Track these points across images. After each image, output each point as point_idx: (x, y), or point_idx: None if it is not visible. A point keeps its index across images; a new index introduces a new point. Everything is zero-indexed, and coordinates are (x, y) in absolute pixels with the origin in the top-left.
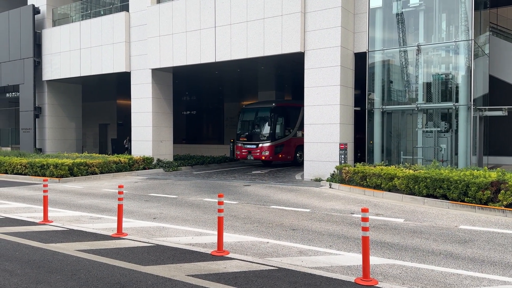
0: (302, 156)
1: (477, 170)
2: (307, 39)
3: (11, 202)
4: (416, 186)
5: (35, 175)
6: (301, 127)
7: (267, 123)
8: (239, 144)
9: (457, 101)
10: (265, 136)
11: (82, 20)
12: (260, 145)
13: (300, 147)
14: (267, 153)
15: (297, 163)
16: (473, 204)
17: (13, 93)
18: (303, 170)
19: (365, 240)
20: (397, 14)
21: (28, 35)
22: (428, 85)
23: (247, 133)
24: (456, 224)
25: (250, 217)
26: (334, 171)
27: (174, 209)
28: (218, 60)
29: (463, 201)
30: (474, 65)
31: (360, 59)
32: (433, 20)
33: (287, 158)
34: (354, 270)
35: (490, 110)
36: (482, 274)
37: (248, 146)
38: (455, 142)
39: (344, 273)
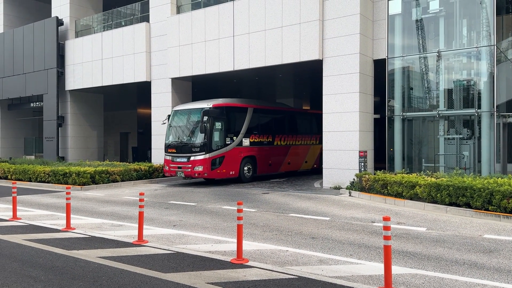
0: (251, 170)
1: (501, 178)
2: (325, 46)
3: (35, 209)
4: (439, 194)
5: (58, 183)
6: (249, 133)
7: (200, 129)
8: (168, 157)
9: (479, 107)
10: (198, 147)
11: (104, 31)
12: (192, 158)
13: (249, 159)
14: (200, 168)
15: (243, 179)
16: (498, 213)
17: (37, 103)
18: (321, 178)
19: (387, 249)
20: (417, 21)
21: (52, 46)
22: (449, 92)
23: (176, 143)
24: (480, 233)
25: (269, 225)
26: (354, 179)
27: (193, 216)
28: (236, 68)
29: (487, 209)
30: (496, 70)
31: (380, 65)
32: (453, 26)
33: (229, 174)
34: (375, 280)
35: None
36: (508, 284)
37: (178, 159)
38: (478, 149)
39: (365, 283)
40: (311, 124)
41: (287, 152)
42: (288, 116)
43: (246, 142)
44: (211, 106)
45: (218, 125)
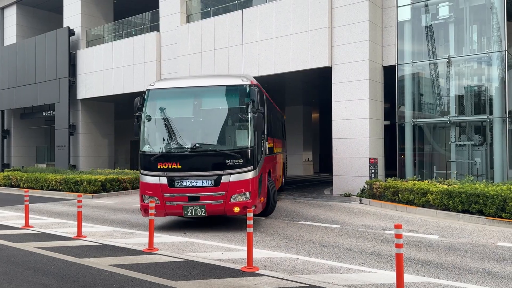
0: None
1: None
2: (335, 53)
3: (47, 217)
4: (451, 202)
5: (69, 191)
6: (275, 134)
7: (237, 123)
8: (157, 180)
9: (491, 113)
10: (238, 155)
11: (115, 40)
12: (225, 177)
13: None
14: (245, 197)
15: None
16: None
17: (49, 112)
18: (331, 185)
19: (399, 257)
20: (426, 27)
21: (63, 55)
22: (460, 98)
23: (183, 150)
24: (493, 241)
25: (279, 232)
26: (365, 186)
27: (203, 224)
28: None
29: (500, 216)
30: (508, 76)
31: (389, 72)
32: (463, 31)
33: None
34: None
35: None
36: None
37: (190, 182)
38: (490, 155)
39: None
40: (282, 126)
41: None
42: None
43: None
44: (249, 82)
45: (260, 116)
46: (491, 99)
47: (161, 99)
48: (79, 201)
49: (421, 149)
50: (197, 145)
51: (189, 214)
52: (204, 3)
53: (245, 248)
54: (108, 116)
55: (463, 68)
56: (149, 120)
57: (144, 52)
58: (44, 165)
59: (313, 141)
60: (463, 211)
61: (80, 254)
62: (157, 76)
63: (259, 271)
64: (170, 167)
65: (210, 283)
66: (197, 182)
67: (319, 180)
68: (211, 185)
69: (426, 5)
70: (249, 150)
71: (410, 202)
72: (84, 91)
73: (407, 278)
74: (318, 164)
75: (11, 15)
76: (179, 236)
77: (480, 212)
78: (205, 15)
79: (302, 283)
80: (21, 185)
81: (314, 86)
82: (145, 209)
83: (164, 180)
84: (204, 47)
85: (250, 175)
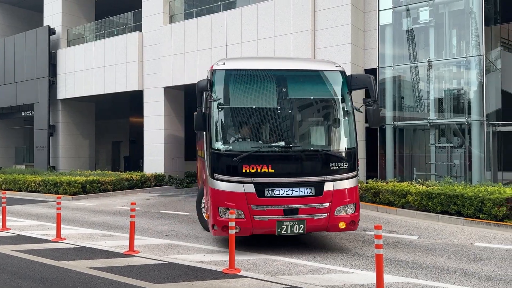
0: None
1: (492, 186)
2: (318, 56)
3: (25, 219)
4: (430, 203)
5: (48, 193)
6: None
7: (338, 118)
8: (237, 186)
9: (469, 116)
10: (342, 158)
11: (96, 40)
12: (329, 185)
13: None
14: (351, 209)
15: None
16: (489, 221)
17: (28, 112)
18: None
19: (379, 258)
20: (407, 31)
21: (43, 55)
22: (440, 101)
23: (287, 149)
24: (471, 241)
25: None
26: None
27: (185, 226)
28: None
29: (478, 217)
30: (486, 80)
31: (371, 75)
32: (443, 36)
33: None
34: None
35: (503, 125)
36: None
37: (285, 191)
38: (469, 157)
39: None
40: None
41: None
42: None
43: None
44: (340, 68)
45: (377, 109)
46: (469, 102)
47: (238, 83)
48: (58, 203)
49: (402, 151)
50: (295, 143)
51: (283, 232)
52: (188, 3)
53: (228, 250)
54: (89, 116)
55: (442, 72)
56: (223, 109)
57: (126, 52)
58: (23, 166)
59: None
60: (442, 212)
61: (59, 257)
62: (139, 76)
63: (241, 273)
64: (259, 170)
65: (192, 285)
66: (293, 190)
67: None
68: (311, 194)
69: (407, 9)
70: (354, 152)
71: (390, 203)
72: (65, 91)
73: (387, 278)
74: None
75: None
76: (160, 238)
77: (459, 213)
78: (188, 16)
79: (284, 284)
80: None
81: None
82: (223, 226)
83: (250, 188)
84: (187, 48)
85: (354, 181)
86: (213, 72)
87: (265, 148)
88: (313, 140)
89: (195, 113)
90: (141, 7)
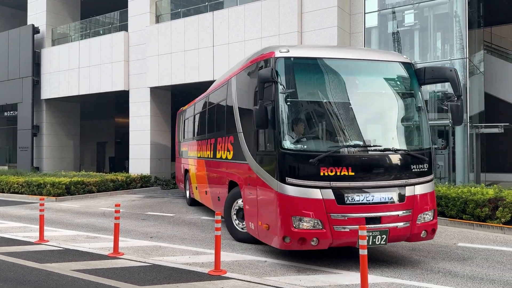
0: None
1: (475, 187)
2: None
3: (7, 221)
4: None
5: (32, 194)
6: None
7: (416, 115)
8: (313, 192)
9: None
10: (424, 159)
11: (82, 39)
12: (410, 190)
13: None
14: (430, 215)
15: None
16: (472, 221)
17: (11, 112)
18: None
19: (363, 258)
20: (393, 33)
21: (27, 54)
22: (424, 103)
23: (354, 148)
24: (454, 242)
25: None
26: None
27: (171, 227)
28: (216, 78)
29: (461, 218)
30: (469, 83)
31: None
32: (428, 38)
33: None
34: None
35: (486, 127)
36: None
37: (369, 196)
38: (452, 159)
39: None
40: None
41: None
42: None
43: None
44: (409, 59)
45: (462, 106)
46: None
47: (307, 73)
48: (41, 204)
49: None
50: (375, 141)
51: (370, 242)
52: (174, 3)
53: (213, 251)
54: (74, 116)
55: None
56: (292, 103)
57: (112, 52)
58: (6, 167)
59: None
60: None
61: (42, 259)
62: (124, 76)
63: (227, 274)
64: (338, 174)
65: (177, 287)
66: (373, 196)
67: None
68: (392, 200)
69: (393, 12)
70: (431, 152)
71: None
72: (49, 91)
73: (372, 278)
74: None
75: None
76: (145, 240)
77: (442, 214)
78: (175, 16)
79: (269, 285)
80: None
81: None
82: (300, 238)
83: (329, 194)
84: (174, 48)
85: (432, 185)
86: (276, 60)
87: (346, 148)
88: (393, 139)
89: (256, 107)
90: (127, 7)
